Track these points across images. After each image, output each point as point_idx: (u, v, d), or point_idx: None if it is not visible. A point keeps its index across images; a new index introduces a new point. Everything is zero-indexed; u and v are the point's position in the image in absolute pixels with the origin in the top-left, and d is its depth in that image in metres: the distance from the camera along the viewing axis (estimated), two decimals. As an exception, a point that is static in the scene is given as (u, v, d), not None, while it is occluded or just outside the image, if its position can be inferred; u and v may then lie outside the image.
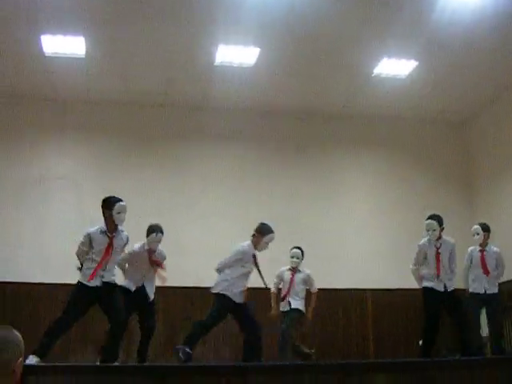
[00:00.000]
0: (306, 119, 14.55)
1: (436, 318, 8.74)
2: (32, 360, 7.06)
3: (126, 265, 8.90)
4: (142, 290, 8.78)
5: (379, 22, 11.16)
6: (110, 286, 7.67)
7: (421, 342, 10.96)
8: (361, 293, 13.77)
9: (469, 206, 14.77)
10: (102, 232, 7.75)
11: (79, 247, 7.78)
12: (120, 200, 7.83)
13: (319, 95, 13.91)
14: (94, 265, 7.62)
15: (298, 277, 10.76)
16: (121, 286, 8.35)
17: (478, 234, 10.11)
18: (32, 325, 11.81)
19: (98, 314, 7.73)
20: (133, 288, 8.84)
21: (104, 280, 7.63)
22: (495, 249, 10.16)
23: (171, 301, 12.65)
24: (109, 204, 7.81)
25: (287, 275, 10.74)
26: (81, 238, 7.77)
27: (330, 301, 13.50)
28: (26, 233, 12.74)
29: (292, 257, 10.76)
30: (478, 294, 9.92)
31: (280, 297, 10.79)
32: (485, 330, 12.90)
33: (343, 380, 5.50)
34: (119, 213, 7.74)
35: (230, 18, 10.87)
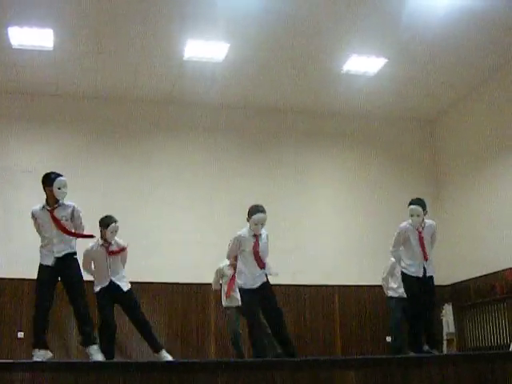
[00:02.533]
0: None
1: (420, 304, 8.53)
2: (39, 356, 7.16)
3: (92, 266, 8.73)
4: (111, 283, 8.65)
5: (349, 19, 11.19)
6: (64, 260, 7.66)
7: (388, 339, 11.01)
8: (328, 289, 13.80)
9: (436, 202, 14.82)
10: (42, 208, 7.78)
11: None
12: (59, 175, 7.79)
13: (288, 91, 13.91)
14: (46, 241, 7.70)
15: None
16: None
17: (418, 215, 8.64)
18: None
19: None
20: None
21: (56, 255, 7.62)
22: (430, 222, 8.83)
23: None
24: (49, 181, 7.77)
25: (228, 271, 10.48)
26: None
27: (297, 297, 13.54)
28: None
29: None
30: (418, 278, 8.68)
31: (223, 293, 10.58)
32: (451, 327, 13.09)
33: (313, 376, 5.49)
34: (59, 188, 7.73)
35: (199, 12, 10.83)
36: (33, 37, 11.44)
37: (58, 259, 7.60)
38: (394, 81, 13.45)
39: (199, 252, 12.81)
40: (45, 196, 7.78)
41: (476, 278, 13.31)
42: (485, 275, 13.01)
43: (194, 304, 13.03)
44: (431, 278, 8.60)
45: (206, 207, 13.70)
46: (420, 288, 8.56)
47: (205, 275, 11.22)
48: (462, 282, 13.72)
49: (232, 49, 12.04)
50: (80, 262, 7.88)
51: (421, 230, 8.66)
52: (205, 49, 12.09)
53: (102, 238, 8.58)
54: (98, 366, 5.76)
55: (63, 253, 7.67)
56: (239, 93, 13.87)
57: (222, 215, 13.36)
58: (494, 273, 12.74)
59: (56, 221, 7.80)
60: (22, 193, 12.76)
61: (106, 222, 8.62)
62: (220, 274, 10.47)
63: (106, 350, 7.79)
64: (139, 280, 12.24)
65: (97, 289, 8.48)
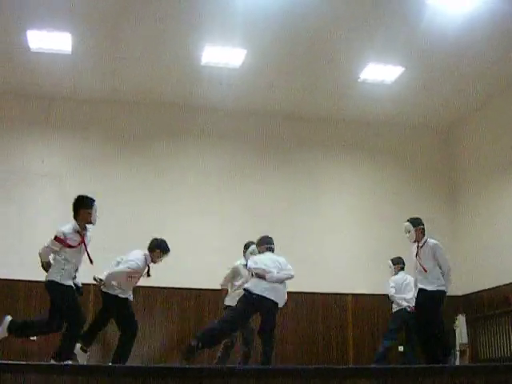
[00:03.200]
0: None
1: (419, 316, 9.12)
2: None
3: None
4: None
5: (367, 27, 11.18)
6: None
7: (401, 348, 11.03)
8: (341, 297, 13.75)
9: (451, 211, 14.82)
10: (74, 231, 7.89)
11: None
12: (94, 200, 7.96)
13: (305, 98, 13.91)
14: (69, 266, 7.84)
15: None
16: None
17: (409, 231, 9.23)
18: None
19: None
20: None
21: (75, 283, 7.94)
22: (432, 241, 9.17)
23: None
24: (89, 202, 7.95)
25: (244, 271, 10.39)
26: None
27: (310, 305, 13.51)
28: (6, 229, 12.58)
29: (251, 253, 10.39)
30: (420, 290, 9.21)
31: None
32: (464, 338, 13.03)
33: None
34: (96, 212, 7.84)
35: (217, 19, 10.85)
36: (51, 41, 11.49)
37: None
38: (410, 89, 13.42)
39: (213, 257, 12.76)
40: (68, 216, 7.87)
41: (490, 289, 13.23)
42: (499, 286, 12.93)
43: (207, 309, 12.99)
44: (421, 290, 9.00)
45: (220, 212, 13.68)
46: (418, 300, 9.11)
47: (218, 280, 11.18)
48: (475, 292, 13.64)
49: (249, 55, 12.06)
50: None
51: (420, 245, 9.12)
52: (222, 55, 12.11)
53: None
54: (106, 370, 5.78)
55: (79, 284, 7.89)
56: (255, 99, 13.88)
57: (235, 221, 13.37)
58: (508, 284, 12.66)
59: (86, 247, 7.91)
60: (36, 196, 12.83)
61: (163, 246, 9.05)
62: (235, 272, 10.29)
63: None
64: (153, 285, 12.38)
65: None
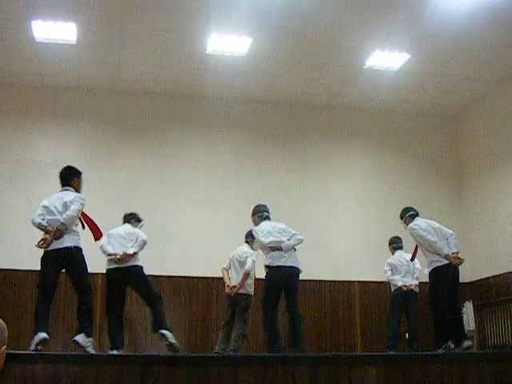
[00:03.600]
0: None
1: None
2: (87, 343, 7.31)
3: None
4: None
5: (372, 14, 11.14)
6: None
7: (408, 335, 11.04)
8: (348, 285, 13.77)
9: (458, 199, 14.82)
10: None
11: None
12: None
13: (311, 86, 13.89)
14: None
15: None
16: None
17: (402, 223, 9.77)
18: (17, 313, 11.86)
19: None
20: None
21: None
22: (408, 227, 9.37)
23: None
24: (79, 172, 8.22)
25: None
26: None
27: (317, 293, 13.52)
28: (14, 219, 12.61)
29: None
30: None
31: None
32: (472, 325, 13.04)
33: (333, 372, 5.49)
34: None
35: (222, 7, 10.82)
36: (56, 31, 11.47)
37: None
38: (416, 76, 13.38)
39: (220, 247, 12.78)
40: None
41: (497, 275, 13.23)
42: (506, 273, 12.93)
43: (215, 298, 13.01)
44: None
45: (227, 201, 13.69)
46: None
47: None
48: (483, 279, 13.65)
49: (255, 43, 12.03)
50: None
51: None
52: (228, 43, 12.08)
53: None
54: (115, 359, 5.80)
55: None
56: (262, 87, 13.86)
57: (242, 210, 13.34)
58: (515, 271, 12.68)
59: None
60: (44, 185, 12.83)
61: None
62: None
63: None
64: (160, 273, 12.42)
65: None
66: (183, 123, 14.09)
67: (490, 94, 14.08)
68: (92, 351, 7.31)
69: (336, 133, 14.75)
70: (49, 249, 7.58)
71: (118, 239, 8.90)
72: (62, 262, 7.60)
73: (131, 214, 9.47)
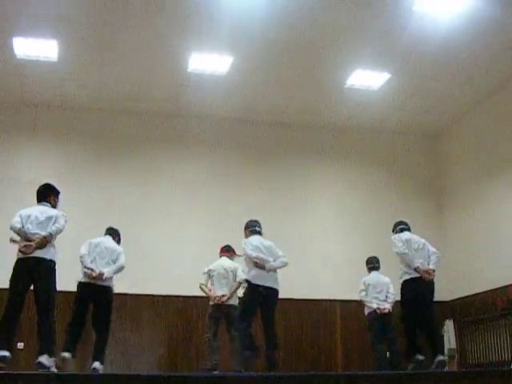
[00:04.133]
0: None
1: None
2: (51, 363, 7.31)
3: None
4: None
5: (353, 34, 11.22)
6: None
7: (391, 358, 10.98)
8: (329, 303, 13.74)
9: (438, 216, 14.89)
10: None
11: None
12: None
13: (291, 105, 13.93)
14: None
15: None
16: None
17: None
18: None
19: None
20: None
21: None
22: None
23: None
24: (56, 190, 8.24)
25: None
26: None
27: (298, 312, 13.47)
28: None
29: None
30: None
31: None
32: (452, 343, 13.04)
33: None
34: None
35: (203, 26, 10.86)
36: (37, 48, 11.46)
37: None
38: (397, 95, 13.47)
39: (200, 263, 12.73)
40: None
41: (477, 293, 13.25)
42: (486, 291, 12.96)
43: (195, 315, 12.95)
44: None
45: (207, 219, 13.66)
46: None
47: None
48: (463, 297, 13.68)
49: (235, 62, 12.07)
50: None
51: None
52: (209, 61, 12.11)
53: None
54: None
55: None
56: (242, 106, 13.89)
57: (222, 228, 13.31)
58: (496, 289, 12.67)
59: None
60: (24, 204, 12.69)
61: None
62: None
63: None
64: (142, 292, 12.37)
65: None
66: (164, 141, 14.06)
67: (470, 112, 14.17)
68: (55, 371, 7.27)
69: (316, 152, 14.77)
70: (28, 256, 7.55)
71: (100, 253, 8.92)
72: (31, 272, 7.57)
73: (116, 231, 9.51)
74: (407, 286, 9.01)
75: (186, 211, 13.68)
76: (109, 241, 9.25)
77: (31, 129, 13.44)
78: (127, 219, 12.84)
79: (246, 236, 9.34)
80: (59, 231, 7.76)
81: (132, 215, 13.18)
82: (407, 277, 9.01)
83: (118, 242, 9.47)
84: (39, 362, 7.20)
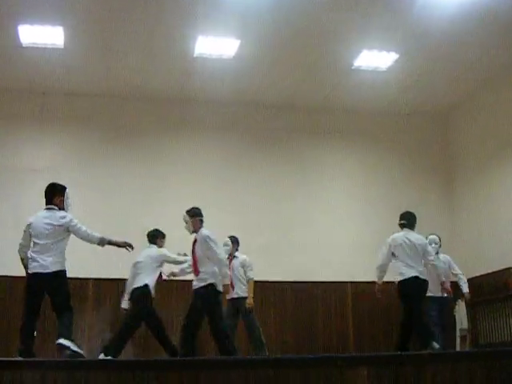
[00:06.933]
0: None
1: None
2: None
3: None
4: None
5: (360, 14, 11.12)
6: None
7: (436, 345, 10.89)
8: (341, 285, 13.74)
9: (449, 197, 14.84)
10: None
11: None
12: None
13: (299, 87, 13.86)
14: None
15: (236, 262, 10.65)
16: None
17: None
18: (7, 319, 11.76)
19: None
20: None
21: None
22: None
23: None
24: (62, 189, 8.02)
25: None
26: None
27: (310, 294, 13.48)
28: (4, 227, 12.48)
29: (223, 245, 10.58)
30: None
31: None
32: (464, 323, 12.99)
33: (325, 373, 5.45)
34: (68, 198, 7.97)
35: (210, 9, 10.79)
36: (43, 35, 11.43)
37: None
38: (405, 76, 13.37)
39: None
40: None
41: (489, 273, 13.22)
42: (498, 271, 12.92)
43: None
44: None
45: (215, 204, 13.60)
46: None
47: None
48: (475, 277, 13.63)
49: (242, 45, 12.00)
50: None
51: None
52: (215, 45, 12.04)
53: None
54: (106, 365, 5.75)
55: None
56: (250, 90, 13.82)
57: (231, 212, 13.30)
58: (508, 268, 12.65)
59: None
60: (31, 192, 12.75)
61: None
62: None
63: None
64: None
65: None
66: (171, 126, 14.03)
67: (479, 92, 14.08)
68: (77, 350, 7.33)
69: (324, 134, 14.72)
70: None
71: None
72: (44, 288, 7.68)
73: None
74: (405, 286, 9.19)
75: (197, 195, 13.64)
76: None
77: (36, 116, 13.41)
78: (137, 206, 12.86)
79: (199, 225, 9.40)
80: (83, 231, 7.84)
81: (139, 200, 13.16)
82: (401, 278, 9.23)
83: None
84: (60, 343, 7.29)
